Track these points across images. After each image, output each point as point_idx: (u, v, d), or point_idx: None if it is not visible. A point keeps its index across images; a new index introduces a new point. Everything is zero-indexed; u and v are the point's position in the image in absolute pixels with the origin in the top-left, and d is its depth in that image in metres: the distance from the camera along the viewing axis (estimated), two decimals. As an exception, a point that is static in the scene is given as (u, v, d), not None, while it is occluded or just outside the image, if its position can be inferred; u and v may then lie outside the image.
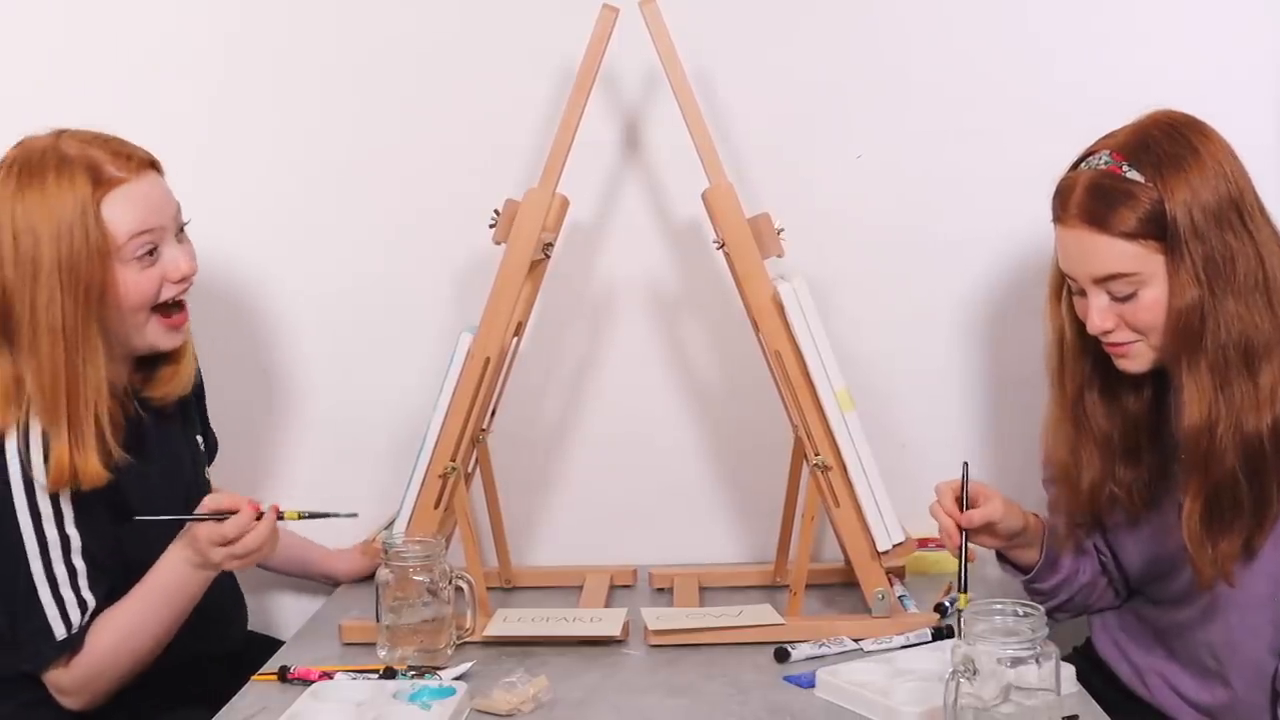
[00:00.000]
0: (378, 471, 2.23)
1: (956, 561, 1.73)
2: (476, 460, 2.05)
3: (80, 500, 1.69)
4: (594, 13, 1.89)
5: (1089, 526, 1.84)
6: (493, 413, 2.06)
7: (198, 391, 1.95)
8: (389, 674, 1.69)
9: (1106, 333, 1.68)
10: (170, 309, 1.77)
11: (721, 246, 1.91)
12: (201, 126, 2.21)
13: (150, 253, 1.71)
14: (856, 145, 2.20)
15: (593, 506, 2.27)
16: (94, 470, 1.66)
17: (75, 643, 1.70)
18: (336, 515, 1.81)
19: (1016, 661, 1.37)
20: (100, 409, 1.67)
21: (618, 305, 2.25)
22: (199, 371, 1.93)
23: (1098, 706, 1.60)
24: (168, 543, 1.75)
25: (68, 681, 1.72)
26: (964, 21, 2.19)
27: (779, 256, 1.91)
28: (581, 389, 2.27)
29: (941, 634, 1.79)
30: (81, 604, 1.70)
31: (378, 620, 1.77)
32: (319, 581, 2.19)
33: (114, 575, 1.74)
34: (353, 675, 1.69)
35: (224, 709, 1.64)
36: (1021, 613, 1.40)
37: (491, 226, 1.92)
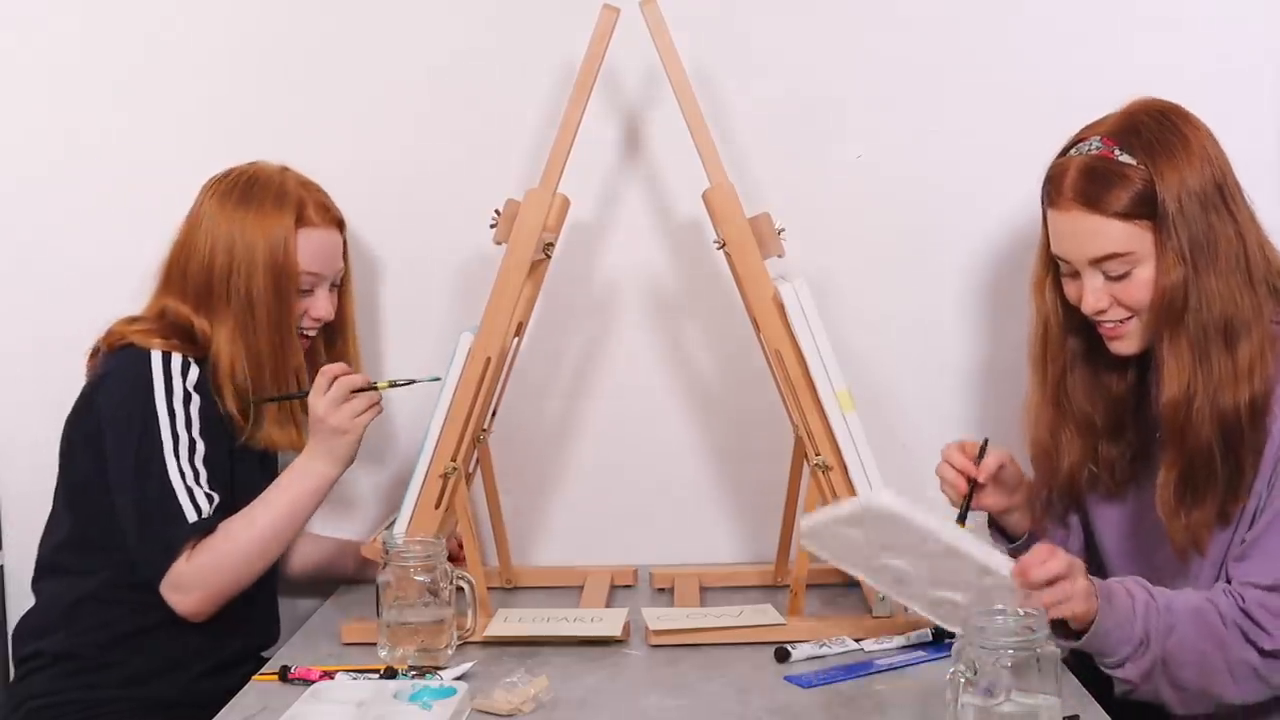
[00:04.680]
0: (379, 472, 2.24)
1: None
2: (477, 460, 2.05)
3: (204, 418, 1.93)
4: (594, 13, 1.89)
5: (1067, 505, 1.88)
6: (493, 413, 2.06)
7: None
8: (389, 674, 1.69)
9: (1100, 313, 1.72)
10: (307, 334, 2.05)
11: (722, 246, 1.91)
12: (201, 126, 2.21)
13: (308, 290, 2.00)
14: (856, 145, 2.20)
15: (593, 506, 2.27)
16: (290, 439, 1.99)
17: (206, 526, 1.88)
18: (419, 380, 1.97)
19: (1017, 662, 1.37)
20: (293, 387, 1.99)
21: (618, 305, 2.25)
22: None
23: (1098, 706, 1.60)
24: (253, 493, 1.95)
25: (188, 574, 1.87)
26: (964, 21, 2.19)
27: (779, 256, 1.91)
28: (581, 389, 2.27)
29: (942, 634, 1.79)
30: (209, 497, 1.90)
31: (378, 620, 1.77)
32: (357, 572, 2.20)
33: (223, 494, 1.93)
34: (353, 675, 1.69)
35: (224, 709, 1.64)
36: (1022, 613, 1.41)
37: (492, 226, 1.93)
